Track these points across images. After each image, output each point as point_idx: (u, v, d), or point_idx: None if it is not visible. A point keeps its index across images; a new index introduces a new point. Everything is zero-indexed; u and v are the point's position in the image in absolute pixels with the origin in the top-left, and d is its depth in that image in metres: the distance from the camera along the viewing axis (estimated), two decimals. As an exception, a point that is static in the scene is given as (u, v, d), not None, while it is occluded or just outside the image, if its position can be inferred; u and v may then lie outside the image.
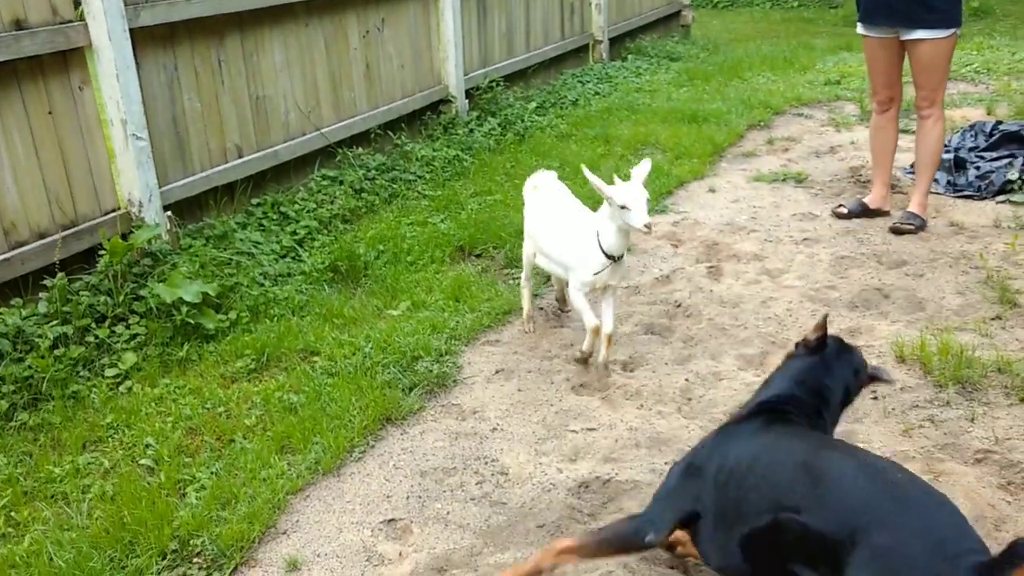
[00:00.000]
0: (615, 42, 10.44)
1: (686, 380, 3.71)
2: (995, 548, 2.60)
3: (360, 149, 6.15)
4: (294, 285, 4.62)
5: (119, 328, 4.04)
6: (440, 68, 7.13)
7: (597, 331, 3.75)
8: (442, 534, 2.89)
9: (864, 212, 5.35)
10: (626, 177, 3.63)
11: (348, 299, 4.49)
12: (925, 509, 1.96)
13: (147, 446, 3.34)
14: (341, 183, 5.79)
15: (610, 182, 3.60)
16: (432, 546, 2.83)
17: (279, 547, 2.86)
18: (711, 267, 4.76)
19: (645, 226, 3.46)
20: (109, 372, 3.84)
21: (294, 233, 5.15)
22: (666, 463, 3.15)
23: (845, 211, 5.38)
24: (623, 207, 3.49)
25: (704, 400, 3.56)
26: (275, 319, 4.29)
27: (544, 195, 4.06)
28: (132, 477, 3.14)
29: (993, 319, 4.07)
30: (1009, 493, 2.96)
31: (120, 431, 3.46)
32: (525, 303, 4.22)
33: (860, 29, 5.24)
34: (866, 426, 3.35)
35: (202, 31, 4.87)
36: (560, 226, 3.88)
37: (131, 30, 4.35)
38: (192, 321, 4.08)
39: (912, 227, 5.08)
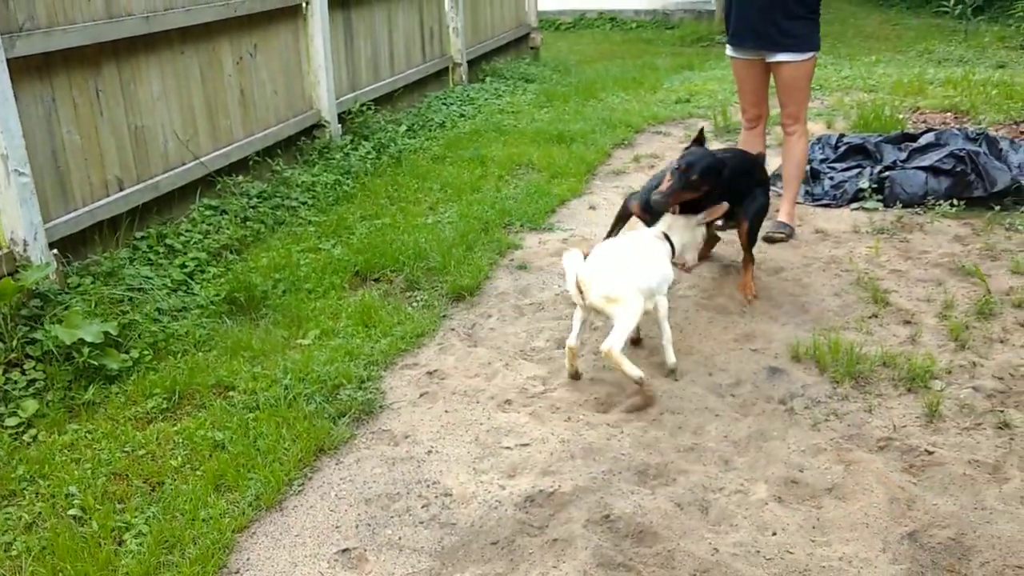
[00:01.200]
0: (472, 64, 10.62)
1: (607, 392, 3.86)
2: (909, 529, 2.87)
3: (240, 177, 6.04)
4: (192, 319, 4.49)
5: (14, 374, 3.84)
6: (312, 92, 7.08)
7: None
8: (398, 559, 2.91)
9: None
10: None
11: (253, 331, 4.41)
12: None
13: (69, 495, 3.18)
14: (224, 213, 5.66)
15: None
16: (391, 572, 2.85)
17: (234, 587, 2.80)
18: (607, 282, 4.95)
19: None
20: (10, 421, 3.64)
21: (183, 266, 5.00)
22: (603, 471, 3.29)
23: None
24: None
25: (628, 408, 3.72)
26: (179, 355, 4.16)
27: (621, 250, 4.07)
28: (60, 529, 2.99)
29: (870, 317, 4.43)
30: (913, 475, 3.25)
31: (34, 482, 3.29)
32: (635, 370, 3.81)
33: (729, 51, 5.58)
34: (778, 423, 3.58)
35: (79, 61, 4.69)
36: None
37: (8, 60, 4.14)
38: (95, 362, 3.91)
39: (783, 235, 5.45)
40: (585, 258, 3.89)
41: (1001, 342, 4.13)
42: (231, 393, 3.86)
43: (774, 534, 2.96)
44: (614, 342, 3.68)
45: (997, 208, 5.74)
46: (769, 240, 5.45)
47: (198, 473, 3.30)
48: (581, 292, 3.78)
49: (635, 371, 3.68)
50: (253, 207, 5.87)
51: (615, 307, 3.73)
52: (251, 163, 6.22)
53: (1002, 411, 3.59)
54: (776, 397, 3.78)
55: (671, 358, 3.96)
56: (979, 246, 5.25)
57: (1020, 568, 2.75)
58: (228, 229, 5.48)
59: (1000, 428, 3.49)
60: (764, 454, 3.39)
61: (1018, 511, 3.02)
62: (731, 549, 2.89)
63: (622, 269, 3.83)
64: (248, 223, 5.67)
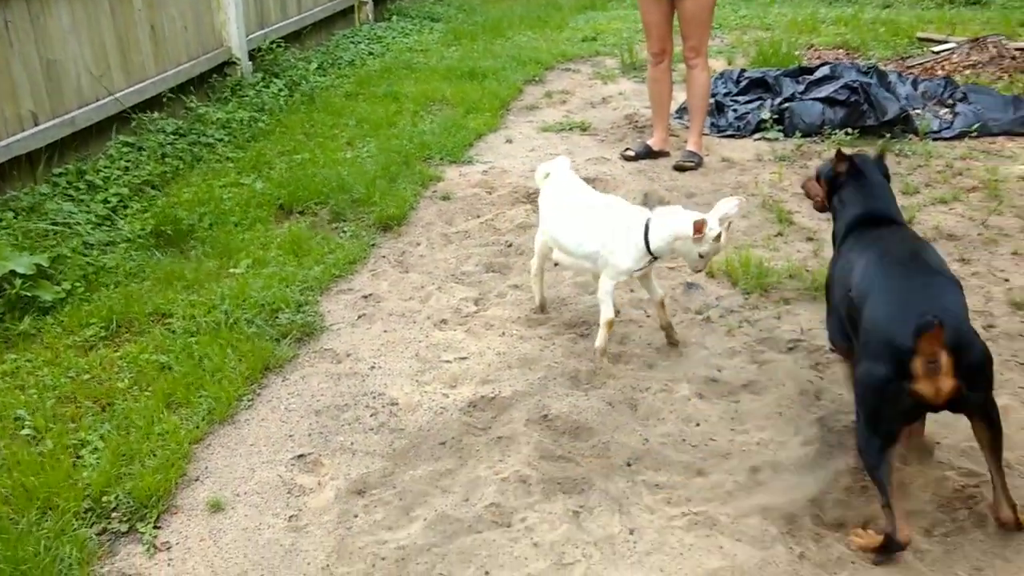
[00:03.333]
0: (378, 3, 10.58)
1: (532, 308, 4.06)
2: (818, 416, 3.16)
3: (155, 114, 5.98)
4: (121, 252, 4.51)
5: (-54, 307, 3.81)
6: (222, 30, 7.00)
7: (611, 325, 3.61)
8: (352, 462, 3.08)
9: (649, 154, 5.94)
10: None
11: (184, 262, 4.46)
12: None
13: (19, 418, 3.24)
14: (142, 149, 5.62)
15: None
16: (347, 473, 3.02)
17: (196, 492, 2.93)
18: (529, 209, 5.13)
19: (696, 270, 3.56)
20: (-54, 353, 3.64)
21: (106, 201, 4.98)
22: (539, 378, 3.51)
23: (633, 153, 5.94)
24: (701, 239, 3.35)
25: (558, 322, 3.94)
26: (111, 287, 4.19)
27: (563, 185, 3.78)
28: (16, 448, 3.05)
29: (776, 235, 4.75)
30: (819, 372, 3.57)
31: (-20, 408, 3.32)
32: (538, 294, 3.99)
33: None
34: (696, 331, 3.86)
35: (-13, -9, 4.58)
36: (595, 218, 3.61)
37: (-84, -11, 4.04)
38: (28, 294, 3.92)
39: (693, 164, 5.73)
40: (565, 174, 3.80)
41: (893, 254, 4.50)
42: (169, 320, 3.93)
43: (698, 425, 3.24)
44: (532, 262, 3.97)
45: (888, 136, 6.13)
46: (679, 168, 5.72)
47: (147, 392, 3.39)
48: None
49: (538, 298, 3.97)
50: (170, 144, 5.83)
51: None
52: (165, 100, 6.15)
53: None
54: (693, 308, 4.05)
55: (598, 340, 3.62)
56: (871, 170, 5.61)
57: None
58: (148, 165, 5.45)
59: (894, 328, 3.84)
60: (685, 358, 3.67)
61: (911, 397, 3.36)
62: (660, 439, 3.16)
63: (544, 200, 3.79)
64: (167, 159, 5.64)
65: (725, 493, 2.89)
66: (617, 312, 3.72)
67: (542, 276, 3.98)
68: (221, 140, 6.15)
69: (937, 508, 2.79)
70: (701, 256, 3.42)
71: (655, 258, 3.52)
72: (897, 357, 2.45)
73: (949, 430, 3.14)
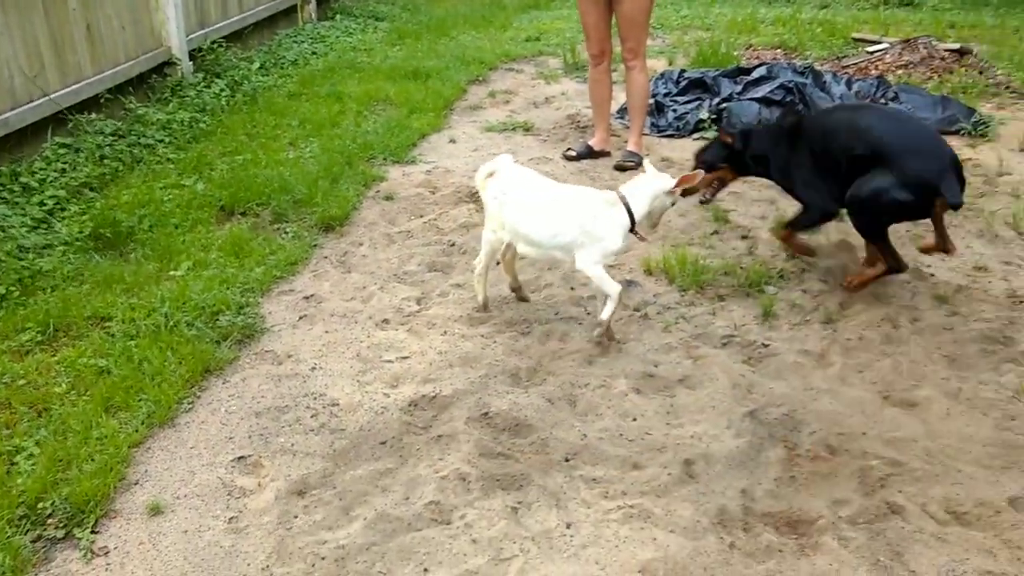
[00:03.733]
0: (321, 2, 10.54)
1: (474, 308, 4.11)
2: (750, 409, 3.26)
3: (92, 115, 5.90)
4: (58, 256, 4.45)
5: None
6: (161, 29, 6.92)
7: (620, 298, 3.69)
8: (292, 463, 3.10)
9: (591, 154, 6.02)
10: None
11: (123, 265, 4.42)
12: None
13: (-49, 425, 3.20)
14: (79, 151, 5.55)
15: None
16: (287, 474, 3.04)
17: (135, 496, 2.93)
18: (472, 209, 5.17)
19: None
20: None
21: (42, 204, 4.91)
22: (480, 376, 3.55)
23: (574, 154, 6.01)
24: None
25: (499, 320, 3.99)
26: (48, 290, 4.14)
27: (520, 180, 3.81)
28: (-52, 456, 3.02)
29: (712, 234, 4.85)
30: (752, 365, 3.67)
31: (-88, 415, 3.28)
32: (481, 293, 4.01)
33: None
34: (634, 327, 3.94)
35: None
36: (568, 208, 3.69)
37: None
38: (-39, 298, 3.87)
39: (633, 163, 5.81)
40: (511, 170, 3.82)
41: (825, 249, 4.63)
42: (108, 323, 3.90)
43: (635, 420, 3.31)
44: (478, 261, 3.96)
45: (821, 135, 6.27)
46: (620, 168, 5.81)
47: (85, 397, 3.37)
48: (481, 185, 3.87)
49: (480, 296, 4.00)
50: (109, 145, 5.76)
51: (485, 222, 3.88)
52: (103, 101, 6.08)
53: (826, 308, 4.06)
54: (631, 305, 4.13)
55: (604, 313, 3.71)
56: (806, 169, 5.75)
57: (841, 435, 3.20)
58: (86, 167, 5.38)
59: (825, 323, 3.96)
60: (623, 354, 3.74)
61: (839, 390, 3.48)
62: (598, 434, 3.22)
63: (504, 195, 3.76)
64: (105, 161, 5.58)
65: (660, 486, 2.96)
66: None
67: (486, 275, 4.01)
68: (161, 141, 6.09)
69: (862, 497, 2.89)
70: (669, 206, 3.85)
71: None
72: (924, 191, 3.78)
73: (872, 421, 3.26)
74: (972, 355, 3.67)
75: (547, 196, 3.76)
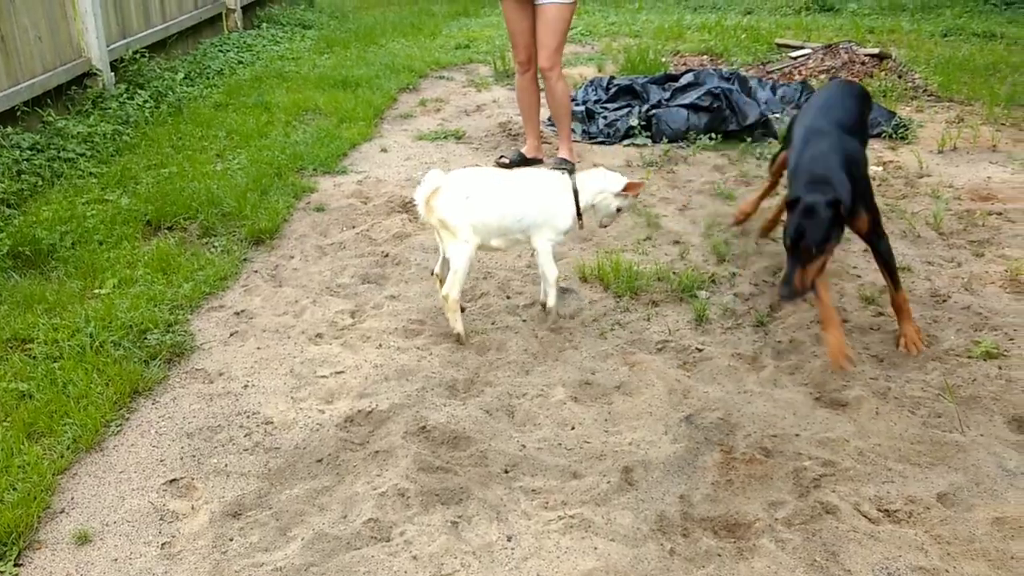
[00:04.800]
0: (247, 11, 10.39)
1: (409, 319, 4.08)
2: (686, 414, 3.29)
3: (8, 128, 5.72)
4: (-26, 276, 4.30)
5: None
6: (80, 40, 6.75)
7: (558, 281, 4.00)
8: (227, 484, 3.03)
9: (523, 161, 6.02)
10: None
11: (45, 284, 4.29)
12: None
13: None
14: (-5, 166, 5.38)
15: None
16: (221, 496, 2.97)
17: (61, 525, 2.83)
18: (405, 219, 5.14)
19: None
20: None
21: (-44, 222, 4.74)
22: (417, 389, 3.52)
23: (507, 161, 6.01)
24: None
25: (435, 332, 3.96)
26: (-36, 313, 4.00)
27: (464, 183, 3.78)
28: None
29: (645, 240, 4.90)
30: (687, 370, 3.71)
31: None
32: (459, 323, 3.86)
33: None
34: (574, 336, 3.95)
35: None
36: (527, 188, 3.87)
37: None
38: None
39: (566, 170, 5.82)
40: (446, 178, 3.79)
41: (756, 254, 4.70)
42: (29, 345, 3.78)
43: (573, 428, 3.32)
44: (452, 288, 3.77)
45: (749, 140, 6.40)
46: (554, 174, 5.83)
47: (6, 423, 3.25)
48: (427, 208, 3.74)
49: (458, 327, 3.85)
50: (27, 160, 5.59)
51: (448, 239, 3.76)
52: (19, 114, 5.90)
53: (757, 312, 4.12)
54: (567, 313, 4.14)
55: (550, 300, 3.96)
56: (735, 174, 5.86)
57: (775, 437, 3.24)
58: (2, 183, 5.22)
59: (756, 326, 4.02)
60: (560, 362, 3.75)
61: (772, 392, 3.53)
62: (536, 444, 3.22)
63: (469, 199, 3.72)
64: (23, 176, 5.41)
65: (599, 494, 2.97)
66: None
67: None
68: (83, 155, 5.93)
69: (796, 498, 2.94)
70: (618, 210, 4.00)
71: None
72: None
73: (805, 422, 3.32)
74: (899, 354, 3.76)
75: (508, 183, 3.90)
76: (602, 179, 3.98)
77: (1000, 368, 3.64)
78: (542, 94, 6.19)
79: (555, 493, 2.98)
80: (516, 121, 6.96)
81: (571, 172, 4.92)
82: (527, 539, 2.77)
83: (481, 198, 3.76)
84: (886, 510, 2.88)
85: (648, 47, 9.01)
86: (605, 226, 4.16)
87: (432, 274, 4.04)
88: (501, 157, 6.09)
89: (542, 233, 3.87)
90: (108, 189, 5.45)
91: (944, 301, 4.19)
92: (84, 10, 6.70)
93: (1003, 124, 6.83)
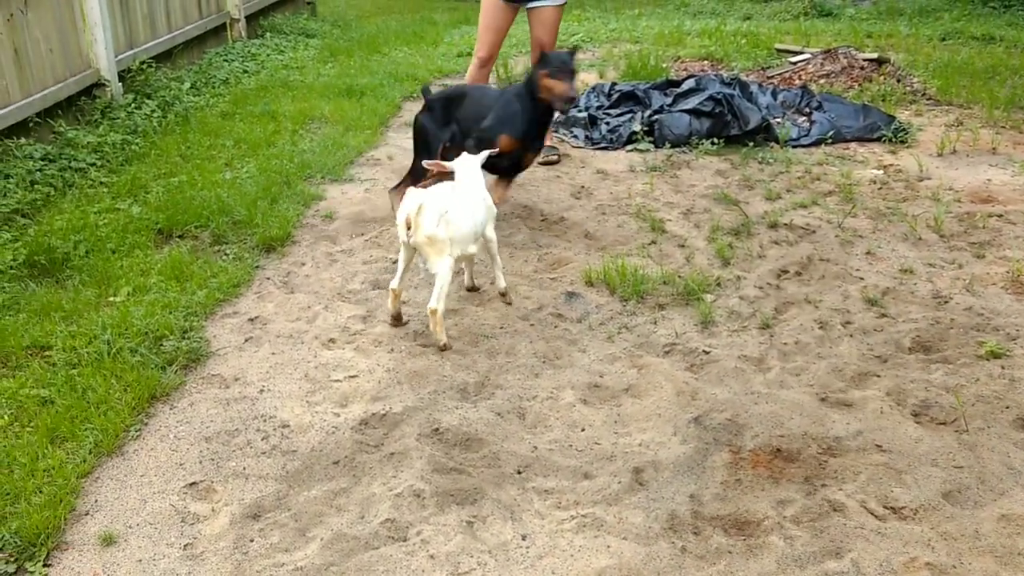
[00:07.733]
0: (251, 20, 10.46)
1: (420, 324, 4.14)
2: (694, 415, 3.36)
3: (21, 140, 5.79)
4: (-9, 285, 4.37)
5: None
6: (89, 51, 6.82)
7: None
8: (245, 486, 3.09)
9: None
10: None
11: (61, 292, 4.35)
12: None
13: None
14: (9, 177, 5.44)
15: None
16: (240, 498, 3.03)
17: (87, 527, 2.89)
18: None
19: None
20: None
21: (-29, 232, 4.81)
22: (429, 392, 3.59)
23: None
24: None
25: (448, 337, 4.02)
26: (-18, 322, 4.07)
27: (441, 199, 3.88)
28: None
29: (650, 244, 4.97)
30: (694, 372, 3.77)
31: None
32: (442, 334, 3.93)
33: None
34: (581, 339, 4.01)
35: None
36: (478, 193, 4.17)
37: None
38: None
39: (556, 157, 6.05)
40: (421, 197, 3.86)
41: (759, 257, 4.77)
42: (48, 353, 3.84)
43: (583, 430, 3.38)
44: (437, 302, 3.86)
45: (751, 144, 6.47)
46: (547, 163, 6.00)
47: (29, 429, 3.32)
48: (409, 229, 3.83)
49: (443, 338, 3.92)
50: (39, 170, 5.66)
51: (434, 255, 3.85)
52: (31, 125, 5.97)
53: (762, 314, 4.19)
54: (574, 317, 4.21)
55: (502, 283, 4.32)
56: (737, 178, 5.93)
57: (782, 437, 3.31)
58: (16, 193, 5.28)
59: (762, 328, 4.09)
60: (569, 365, 3.81)
61: (778, 393, 3.59)
62: (548, 446, 3.29)
63: (454, 214, 3.84)
64: (36, 186, 5.48)
65: (611, 494, 3.03)
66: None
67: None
68: (93, 164, 6.00)
69: (804, 496, 2.99)
70: None
71: None
72: None
73: (811, 422, 3.37)
74: (903, 355, 3.83)
75: (466, 193, 4.08)
76: (475, 159, 4.32)
77: (1004, 368, 3.71)
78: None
79: (567, 493, 3.04)
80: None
81: (560, 157, 5.36)
82: (541, 538, 2.84)
83: (458, 213, 3.90)
84: (892, 507, 2.94)
85: (649, 53, 9.09)
86: None
87: (390, 290, 4.08)
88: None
89: (490, 224, 4.18)
90: (119, 198, 5.52)
91: (946, 302, 4.26)
92: (94, 21, 6.78)
93: (1003, 127, 6.91)
